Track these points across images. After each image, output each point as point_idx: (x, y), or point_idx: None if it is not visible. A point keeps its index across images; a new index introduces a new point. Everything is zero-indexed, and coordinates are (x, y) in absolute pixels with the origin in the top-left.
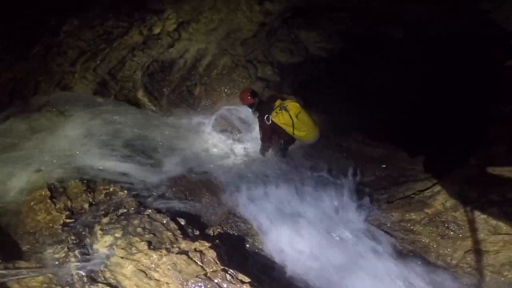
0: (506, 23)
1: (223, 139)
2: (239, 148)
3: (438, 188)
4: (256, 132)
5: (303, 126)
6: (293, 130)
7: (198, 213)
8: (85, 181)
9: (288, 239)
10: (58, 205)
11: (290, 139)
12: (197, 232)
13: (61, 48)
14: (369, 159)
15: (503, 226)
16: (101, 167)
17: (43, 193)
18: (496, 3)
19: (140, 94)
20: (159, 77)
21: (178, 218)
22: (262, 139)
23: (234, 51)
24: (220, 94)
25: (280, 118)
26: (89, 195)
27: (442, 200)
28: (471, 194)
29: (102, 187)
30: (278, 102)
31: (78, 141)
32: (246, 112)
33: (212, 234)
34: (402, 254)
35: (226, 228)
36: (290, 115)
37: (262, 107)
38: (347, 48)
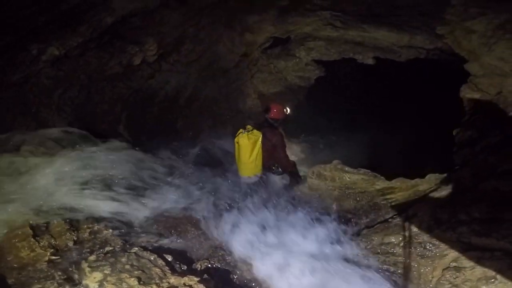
0: (458, 49)
1: (206, 172)
2: (222, 181)
3: (413, 211)
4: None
5: (238, 156)
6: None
7: (184, 248)
8: (67, 220)
9: (276, 269)
10: (41, 243)
11: None
12: (184, 267)
13: (40, 79)
14: (349, 186)
15: (474, 243)
16: (83, 206)
17: (25, 231)
18: (450, 27)
19: (121, 128)
20: (139, 109)
21: (164, 254)
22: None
23: (216, 82)
24: (202, 126)
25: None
26: (73, 233)
27: (417, 223)
28: (443, 216)
29: (85, 225)
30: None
31: (58, 179)
32: (228, 143)
33: (199, 269)
34: (385, 275)
35: (213, 261)
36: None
37: (264, 124)
38: (322, 76)
